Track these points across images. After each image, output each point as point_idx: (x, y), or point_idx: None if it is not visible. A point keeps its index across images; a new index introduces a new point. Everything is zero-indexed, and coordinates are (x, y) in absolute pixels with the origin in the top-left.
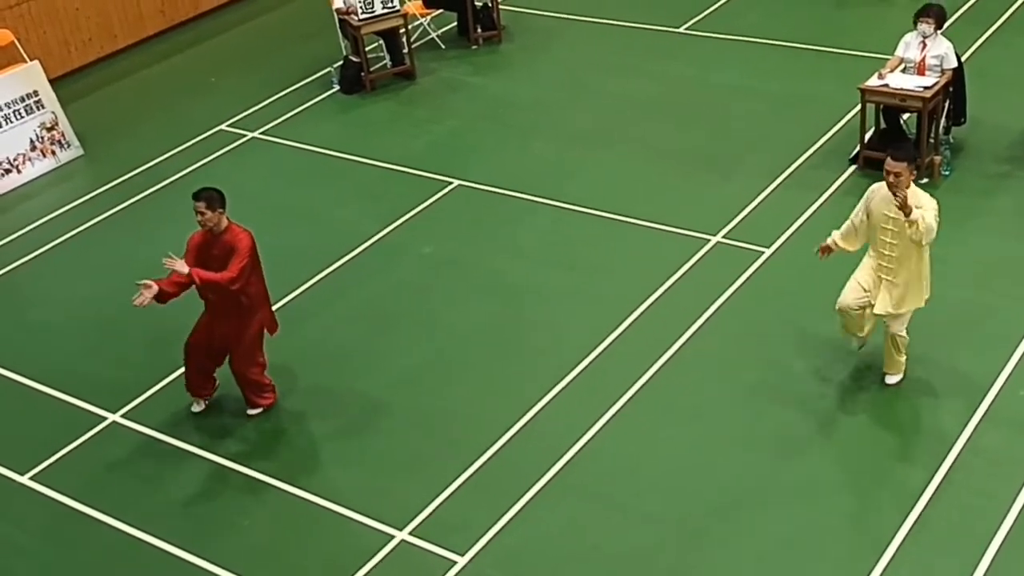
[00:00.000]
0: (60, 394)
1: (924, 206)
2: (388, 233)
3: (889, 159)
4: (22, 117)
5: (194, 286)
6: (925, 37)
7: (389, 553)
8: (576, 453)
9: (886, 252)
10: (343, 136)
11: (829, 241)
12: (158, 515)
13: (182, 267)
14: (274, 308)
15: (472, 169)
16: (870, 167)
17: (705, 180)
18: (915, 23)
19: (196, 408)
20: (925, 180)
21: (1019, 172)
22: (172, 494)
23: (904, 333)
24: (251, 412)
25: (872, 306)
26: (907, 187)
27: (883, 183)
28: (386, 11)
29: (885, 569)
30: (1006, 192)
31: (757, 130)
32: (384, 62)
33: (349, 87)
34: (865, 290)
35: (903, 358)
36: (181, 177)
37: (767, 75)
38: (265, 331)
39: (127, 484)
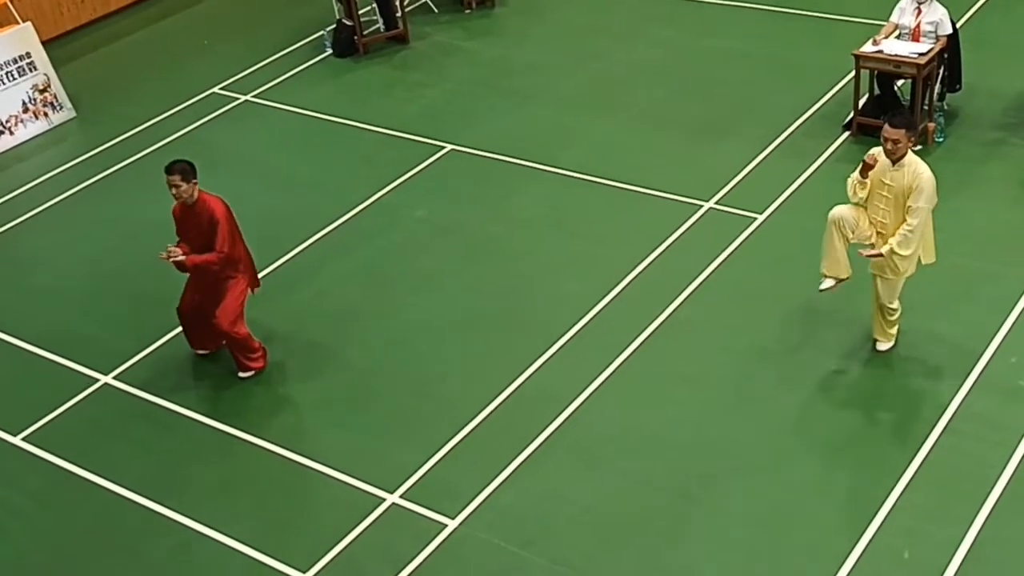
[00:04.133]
0: (52, 355)
1: (918, 187)
2: (381, 197)
3: (887, 125)
4: (14, 79)
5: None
6: (920, 3)
7: (380, 516)
8: (568, 417)
9: (879, 218)
10: (336, 100)
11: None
12: (149, 476)
13: (180, 255)
14: (268, 271)
15: (465, 134)
16: (863, 133)
17: (699, 146)
18: None
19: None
20: (919, 147)
21: (1013, 139)
22: (163, 456)
23: (894, 305)
24: (242, 375)
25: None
26: (904, 154)
27: (878, 149)
28: None
29: (876, 534)
30: (1000, 159)
31: (751, 96)
32: (377, 26)
33: (342, 51)
34: (859, 218)
35: (893, 329)
36: (174, 140)
37: (762, 41)
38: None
39: (118, 446)
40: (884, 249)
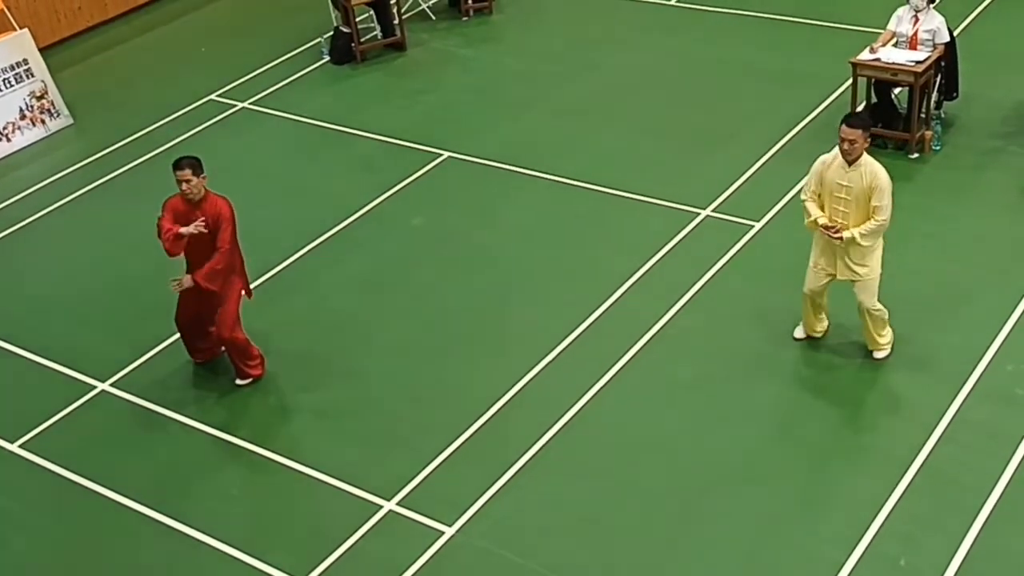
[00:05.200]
0: (49, 363)
1: (878, 187)
2: (378, 205)
3: (844, 126)
4: (12, 86)
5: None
6: (918, 11)
7: (377, 523)
8: (565, 424)
9: (839, 220)
10: (333, 107)
11: (818, 219)
12: (146, 483)
13: (189, 282)
14: (265, 278)
15: (462, 141)
16: None
17: (696, 154)
18: None
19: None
20: (916, 155)
21: (1011, 147)
22: (161, 463)
23: (877, 307)
24: (240, 382)
25: (833, 277)
26: (860, 155)
27: (830, 154)
28: None
29: (872, 541)
30: (997, 167)
31: (748, 104)
32: (374, 33)
33: (339, 58)
34: (823, 268)
35: (884, 338)
36: (171, 147)
37: (759, 49)
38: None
39: (116, 452)
40: (846, 234)
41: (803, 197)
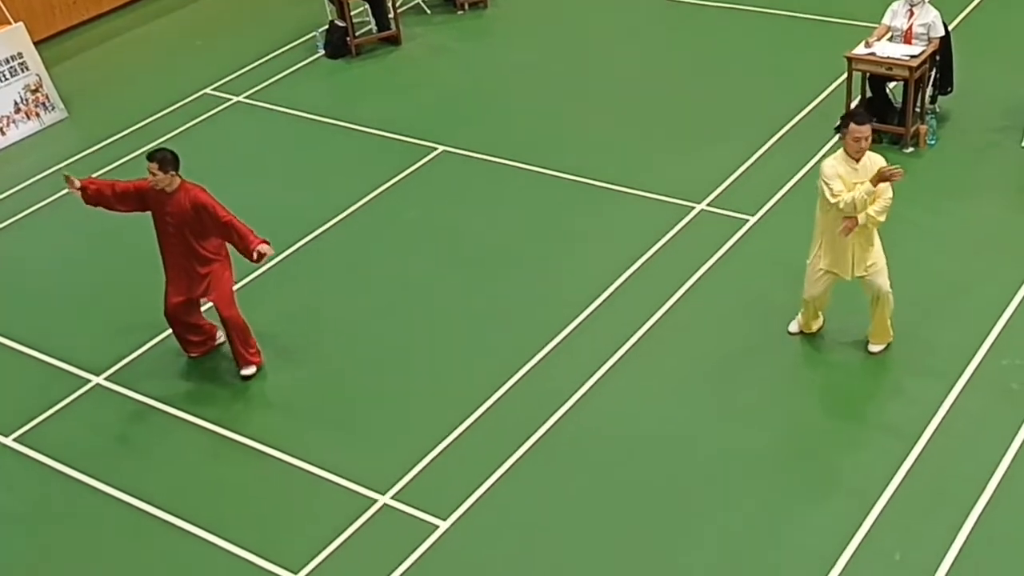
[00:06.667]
0: (44, 356)
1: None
2: (373, 198)
3: (854, 124)
4: (6, 79)
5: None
6: (913, 5)
7: (372, 517)
8: (560, 418)
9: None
10: (328, 101)
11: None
12: (142, 478)
13: (268, 250)
14: (260, 272)
15: (457, 135)
16: None
17: (691, 148)
18: None
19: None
20: (911, 149)
21: (1005, 142)
22: (155, 457)
23: (889, 288)
24: (245, 373)
25: (836, 277)
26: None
27: (832, 158)
28: None
29: (868, 533)
30: (992, 162)
31: (743, 98)
32: (370, 27)
33: (334, 52)
34: (829, 271)
35: (889, 328)
36: (166, 140)
37: (754, 43)
38: None
39: (110, 446)
40: (861, 218)
41: (835, 199)
